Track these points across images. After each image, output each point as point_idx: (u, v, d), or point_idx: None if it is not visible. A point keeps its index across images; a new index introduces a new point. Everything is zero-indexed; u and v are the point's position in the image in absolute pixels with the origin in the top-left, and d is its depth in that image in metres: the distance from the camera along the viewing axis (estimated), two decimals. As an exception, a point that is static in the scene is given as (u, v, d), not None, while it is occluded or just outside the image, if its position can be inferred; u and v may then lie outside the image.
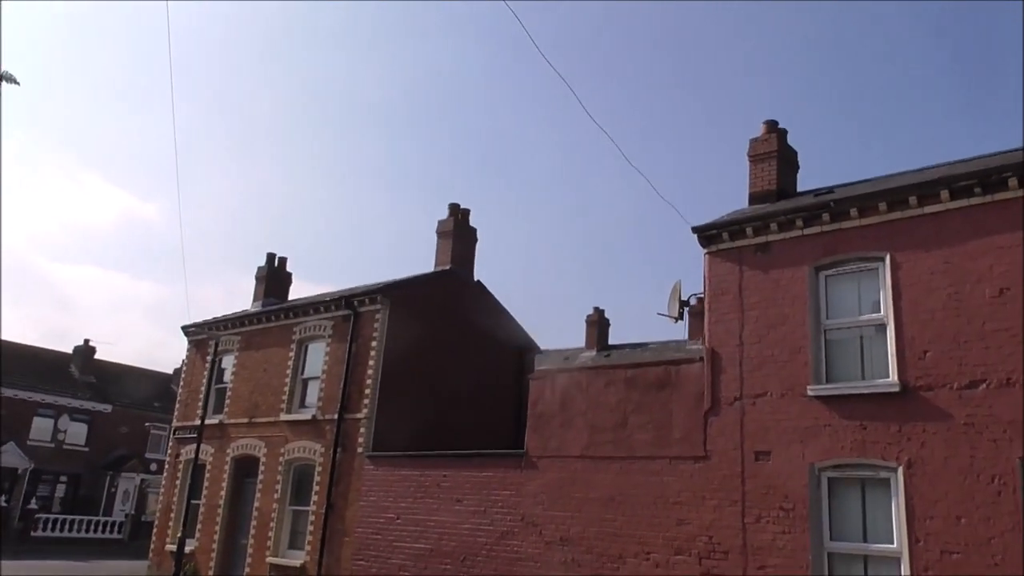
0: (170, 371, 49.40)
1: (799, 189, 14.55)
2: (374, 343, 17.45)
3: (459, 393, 19.04)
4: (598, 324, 33.65)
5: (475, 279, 20.58)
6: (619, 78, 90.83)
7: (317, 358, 18.84)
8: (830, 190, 13.10)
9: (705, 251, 12.63)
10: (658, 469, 12.08)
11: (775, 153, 13.96)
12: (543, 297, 72.45)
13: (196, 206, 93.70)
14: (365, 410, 17.01)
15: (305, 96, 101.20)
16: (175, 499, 21.26)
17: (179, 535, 17.12)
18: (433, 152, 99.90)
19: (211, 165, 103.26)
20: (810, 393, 10.82)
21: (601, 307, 33.77)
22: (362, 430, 16.92)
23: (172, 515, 21.11)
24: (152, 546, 21.59)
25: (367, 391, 17.15)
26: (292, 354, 19.35)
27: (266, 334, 20.35)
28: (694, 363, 12.23)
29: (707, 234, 12.53)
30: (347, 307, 18.07)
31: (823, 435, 10.60)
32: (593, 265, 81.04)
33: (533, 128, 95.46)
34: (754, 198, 13.83)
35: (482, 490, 14.24)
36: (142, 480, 44.42)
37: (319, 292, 24.16)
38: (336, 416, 17.41)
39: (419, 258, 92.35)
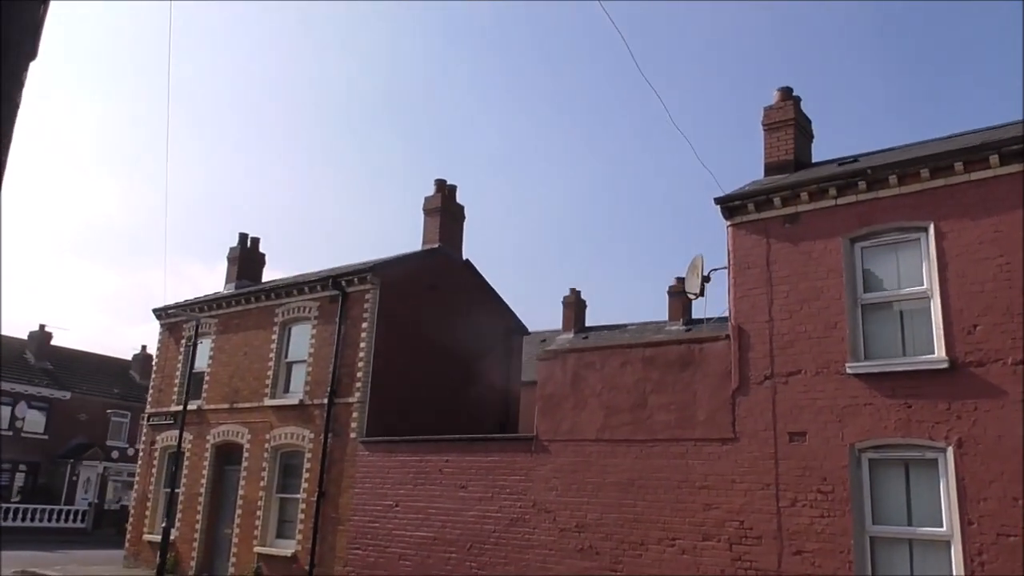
0: (128, 357, 47.78)
1: (813, 160, 14.00)
2: (365, 324, 16.57)
3: (448, 375, 18.28)
4: (575, 306, 33.08)
5: (464, 258, 19.74)
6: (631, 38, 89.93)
7: (302, 341, 17.89)
8: (854, 159, 12.56)
9: (728, 223, 12.00)
10: (682, 452, 11.50)
11: (791, 121, 13.36)
12: (524, 279, 71.71)
13: (151, 190, 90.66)
14: (357, 394, 16.16)
15: (264, 78, 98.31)
16: (151, 488, 20.19)
17: (163, 525, 16.14)
18: (413, 137, 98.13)
19: (167, 147, 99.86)
20: (848, 370, 10.29)
21: (578, 288, 33.23)
22: (355, 415, 16.07)
23: (149, 504, 20.05)
24: (128, 536, 20.50)
25: (359, 374, 16.28)
26: (275, 337, 18.36)
27: (245, 316, 19.30)
28: (719, 341, 11.64)
29: (731, 205, 11.90)
30: (334, 287, 17.13)
31: (863, 414, 10.09)
32: (571, 247, 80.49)
33: (504, 103, 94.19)
34: (770, 168, 13.24)
35: (488, 475, 13.54)
36: (104, 468, 42.88)
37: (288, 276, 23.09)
38: (326, 401, 16.53)
39: (395, 244, 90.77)
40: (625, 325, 31.58)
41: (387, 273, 16.96)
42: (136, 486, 20.91)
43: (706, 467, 11.21)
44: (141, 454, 21.02)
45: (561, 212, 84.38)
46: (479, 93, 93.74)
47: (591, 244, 79.63)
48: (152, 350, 49.03)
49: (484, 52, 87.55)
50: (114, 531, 35.28)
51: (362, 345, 16.41)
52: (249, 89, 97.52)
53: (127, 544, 20.48)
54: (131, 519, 20.67)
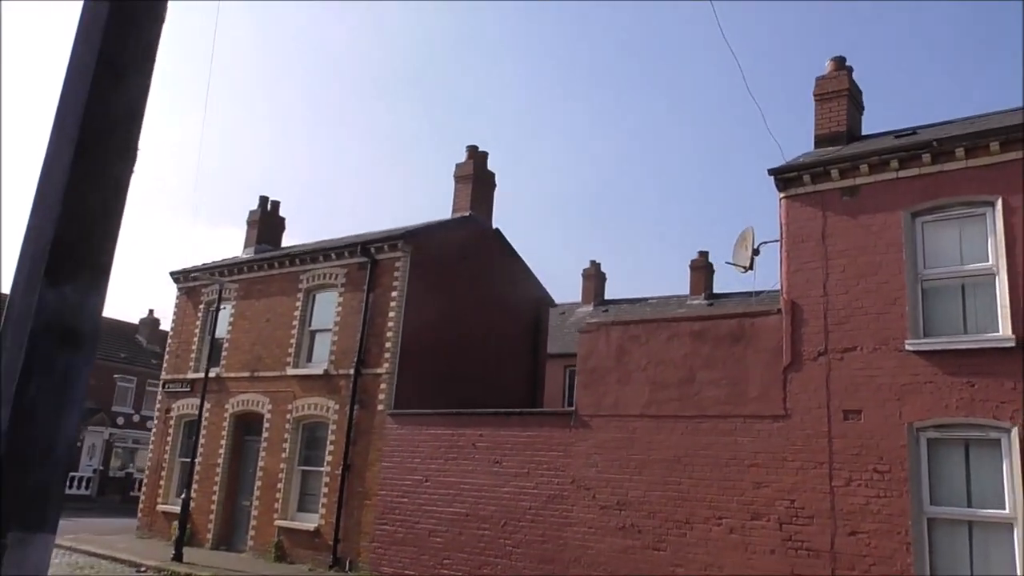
0: (135, 321, 47.46)
1: (863, 133, 13.62)
2: (395, 293, 16.23)
3: (477, 347, 18.00)
4: (595, 278, 32.77)
5: (493, 227, 19.38)
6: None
7: (327, 309, 17.56)
8: (912, 131, 12.20)
9: (782, 195, 11.66)
10: (731, 429, 11.25)
11: (845, 92, 12.95)
12: (542, 251, 71.02)
13: (163, 153, 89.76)
14: (386, 365, 15.86)
15: (288, 43, 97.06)
16: (166, 457, 19.94)
17: (183, 496, 15.91)
18: (438, 103, 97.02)
19: (181, 112, 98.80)
20: (908, 347, 10.02)
21: (598, 261, 32.90)
22: (383, 386, 15.79)
23: (163, 473, 19.82)
24: (141, 506, 20.28)
25: (388, 344, 15.98)
26: (299, 304, 18.02)
27: (268, 282, 18.95)
28: (771, 315, 11.35)
29: (785, 177, 11.55)
30: (363, 254, 16.77)
31: (924, 392, 9.84)
32: (590, 219, 79.66)
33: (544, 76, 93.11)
34: (821, 140, 12.85)
35: (525, 451, 13.29)
36: (110, 434, 42.75)
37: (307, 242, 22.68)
38: (352, 371, 16.24)
39: (417, 212, 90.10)
40: (646, 299, 31.32)
41: (418, 240, 16.60)
42: (150, 454, 20.66)
43: (756, 444, 10.97)
44: (156, 422, 20.75)
45: (582, 183, 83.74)
46: (509, 57, 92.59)
47: (610, 217, 79.06)
48: (160, 314, 48.88)
49: (514, 14, 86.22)
50: (119, 498, 35.22)
51: (391, 315, 16.09)
52: (271, 55, 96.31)
53: (140, 514, 20.26)
54: (144, 488, 20.44)
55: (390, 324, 16.09)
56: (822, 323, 10.80)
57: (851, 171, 11.01)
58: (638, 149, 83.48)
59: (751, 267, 12.16)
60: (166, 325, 49.18)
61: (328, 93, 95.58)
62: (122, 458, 43.24)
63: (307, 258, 18.11)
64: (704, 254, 30.35)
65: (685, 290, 30.54)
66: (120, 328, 46.48)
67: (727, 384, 11.44)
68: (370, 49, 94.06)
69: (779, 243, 11.67)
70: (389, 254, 16.56)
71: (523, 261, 20.07)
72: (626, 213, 78.93)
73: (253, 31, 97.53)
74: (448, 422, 14.53)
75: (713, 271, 30.41)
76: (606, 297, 33.08)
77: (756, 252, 12.15)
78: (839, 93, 13.00)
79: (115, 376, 43.33)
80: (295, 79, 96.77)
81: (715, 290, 30.08)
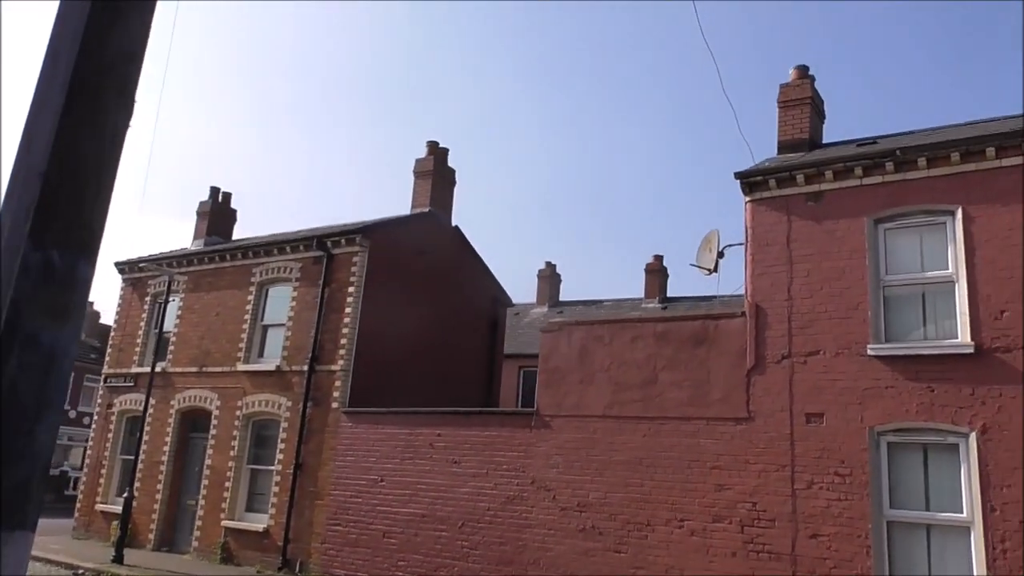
0: (73, 316, 45.79)
1: (824, 141, 13.81)
2: (351, 288, 15.86)
3: (434, 345, 17.73)
4: (550, 279, 32.73)
5: (453, 224, 19.13)
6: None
7: (281, 303, 17.09)
8: (873, 140, 12.40)
9: (747, 199, 11.72)
10: (694, 431, 11.24)
11: (808, 100, 13.13)
12: (496, 250, 70.67)
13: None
14: (341, 362, 15.48)
15: (240, 36, 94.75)
16: (106, 454, 19.15)
17: (126, 495, 15.23)
18: (393, 99, 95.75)
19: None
20: (871, 352, 10.14)
21: (554, 262, 32.88)
22: (338, 383, 15.40)
23: (103, 472, 19.02)
24: (78, 505, 19.43)
25: (343, 341, 15.60)
26: (251, 298, 17.50)
27: (219, 275, 18.37)
28: (735, 318, 11.38)
29: (751, 180, 11.61)
30: (319, 248, 16.36)
31: (885, 397, 9.96)
32: (545, 221, 79.64)
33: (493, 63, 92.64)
34: (784, 146, 12.99)
35: (484, 451, 13.09)
36: (43, 432, 41.10)
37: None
38: (306, 367, 15.81)
39: (369, 208, 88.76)
40: (601, 301, 31.38)
41: (376, 236, 16.26)
42: (89, 452, 19.82)
43: (719, 447, 10.97)
44: (96, 418, 19.92)
45: (539, 184, 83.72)
46: (468, 55, 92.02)
47: (565, 219, 79.24)
48: (99, 306, 47.20)
49: (475, 13, 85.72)
50: (52, 497, 33.78)
51: (348, 310, 15.72)
52: (222, 47, 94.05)
53: (77, 514, 19.41)
54: (82, 487, 19.59)
55: (346, 320, 15.72)
56: (786, 327, 10.87)
57: (816, 177, 11.11)
58: (595, 150, 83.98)
59: (715, 270, 12.20)
60: (106, 318, 47.55)
61: (282, 87, 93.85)
62: (56, 456, 41.59)
63: (261, 251, 17.60)
64: (659, 258, 30.56)
65: (640, 293, 30.71)
66: (56, 321, 44.73)
67: (690, 386, 11.43)
68: (326, 45, 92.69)
69: (744, 246, 11.72)
70: (346, 248, 16.18)
71: (482, 260, 19.89)
72: (582, 215, 79.27)
73: (206, 23, 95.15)
74: (405, 421, 14.24)
75: (667, 275, 30.65)
76: (561, 299, 33.07)
77: (721, 255, 12.19)
78: (802, 101, 13.18)
79: (49, 370, 41.62)
80: (251, 73, 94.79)
81: (669, 294, 30.33)
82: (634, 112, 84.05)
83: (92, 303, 45.95)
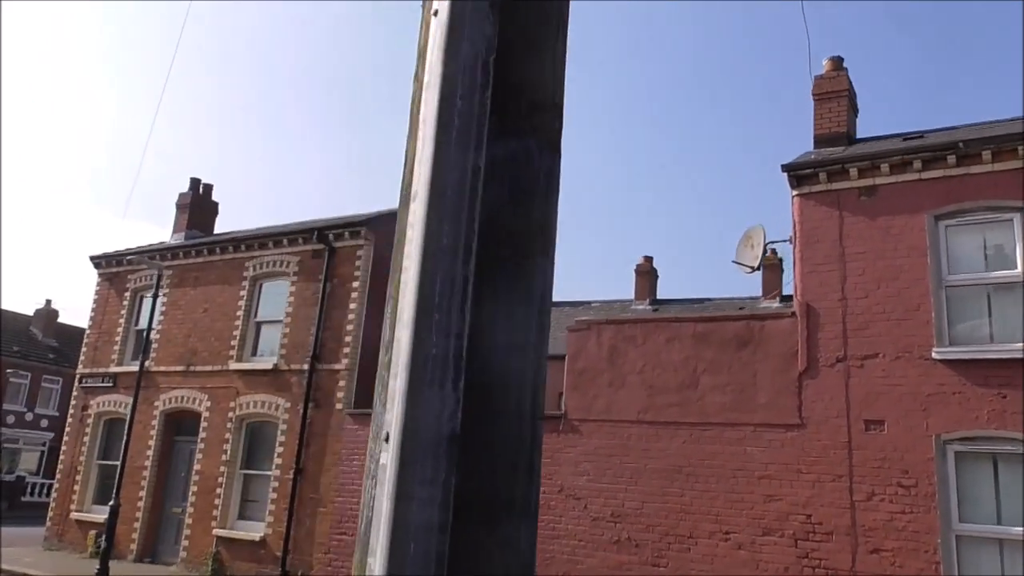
0: (30, 313, 43.73)
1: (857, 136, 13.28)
2: (355, 284, 14.93)
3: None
4: (649, 274, 31.27)
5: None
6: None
7: (277, 299, 16.07)
8: (919, 135, 11.86)
9: (795, 192, 11.10)
10: (739, 437, 10.58)
11: (845, 92, 12.56)
12: None
13: (56, 139, 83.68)
14: (345, 360, 14.54)
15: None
16: (81, 459, 17.91)
17: (111, 503, 14.08)
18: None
19: (93, 97, 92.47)
20: (935, 356, 9.57)
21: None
22: (341, 383, 14.47)
23: (79, 478, 17.78)
24: (51, 514, 18.15)
25: (347, 339, 14.66)
26: (243, 293, 16.45)
27: (206, 269, 17.27)
28: (783, 319, 10.76)
29: (800, 174, 10.99)
30: (319, 241, 15.39)
31: (951, 403, 9.40)
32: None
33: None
34: (821, 140, 12.38)
35: (505, 457, 12.27)
36: (2, 435, 39.16)
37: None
38: (306, 367, 14.84)
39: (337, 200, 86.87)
40: (589, 302, 30.76)
41: (382, 228, 15.33)
42: (62, 457, 18.54)
43: (767, 455, 10.33)
44: (71, 420, 18.65)
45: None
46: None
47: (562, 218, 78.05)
48: (58, 305, 45.04)
49: None
50: (6, 505, 32.04)
51: (352, 306, 14.78)
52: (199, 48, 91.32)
53: (48, 523, 18.13)
54: (55, 495, 18.32)
55: (350, 317, 14.78)
56: (840, 328, 10.26)
57: (870, 170, 10.53)
58: (581, 151, 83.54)
59: (759, 267, 11.56)
60: (66, 317, 45.57)
61: (250, 85, 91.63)
62: (13, 460, 39.69)
63: (254, 244, 16.56)
64: (649, 259, 30.01)
65: (629, 295, 30.11)
66: (13, 320, 42.68)
67: (734, 390, 10.78)
68: (293, 42, 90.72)
69: (790, 243, 11.11)
70: (349, 242, 15.24)
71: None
72: (568, 215, 78.64)
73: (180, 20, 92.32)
74: (417, 425, 13.35)
75: (657, 276, 30.11)
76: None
77: (766, 251, 11.54)
78: (838, 93, 12.59)
79: (7, 371, 39.75)
80: (224, 72, 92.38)
81: (659, 295, 29.80)
82: (614, 108, 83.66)
83: (49, 301, 44.05)
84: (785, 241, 11.41)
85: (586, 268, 66.08)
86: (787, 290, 15.01)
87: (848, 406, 9.97)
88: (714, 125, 79.15)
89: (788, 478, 10.12)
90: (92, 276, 19.57)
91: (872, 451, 9.70)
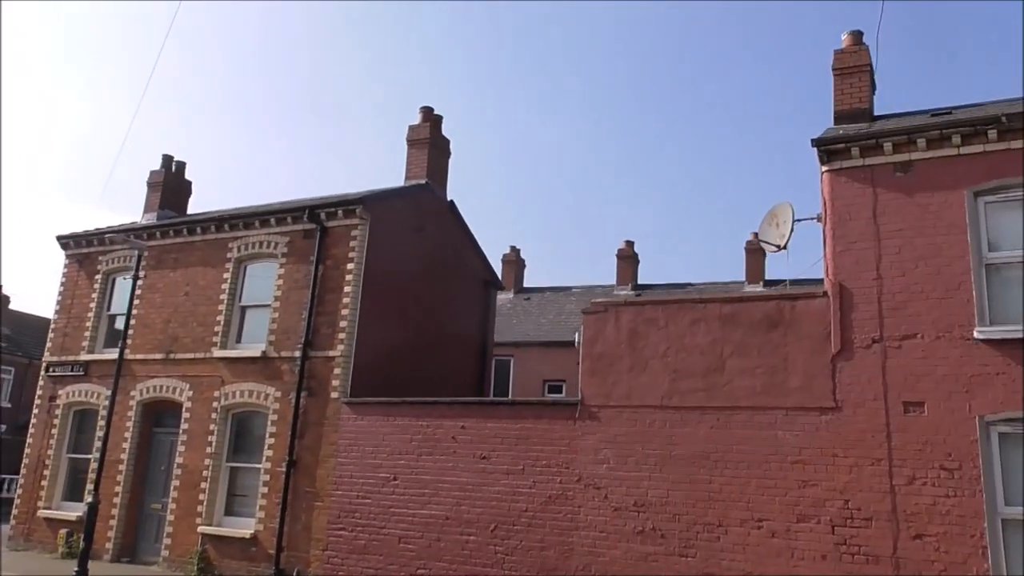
0: (-14, 300, 41.61)
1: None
2: (351, 265, 14.17)
3: (430, 329, 16.24)
4: (515, 264, 31.38)
5: (448, 199, 17.59)
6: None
7: (264, 282, 15.22)
8: (947, 111, 11.58)
9: (825, 168, 10.72)
10: (770, 422, 10.18)
11: (866, 67, 12.23)
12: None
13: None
14: (341, 347, 13.79)
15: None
16: (49, 453, 16.84)
17: (89, 500, 13.13)
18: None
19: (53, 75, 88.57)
20: (977, 336, 9.28)
21: (517, 247, 31.57)
22: (337, 371, 13.72)
23: (46, 473, 16.72)
24: (15, 512, 17.04)
25: (343, 324, 13.91)
26: (227, 276, 15.56)
27: (186, 250, 16.32)
28: (815, 299, 10.36)
29: (831, 148, 10.61)
30: (311, 220, 14.58)
31: (995, 384, 9.11)
32: (515, 204, 77.22)
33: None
34: (841, 116, 12.04)
35: (518, 445, 11.74)
36: (-52, 427, 37.30)
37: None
38: (297, 353, 14.06)
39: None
40: (569, 288, 30.37)
41: (377, 207, 14.60)
42: (28, 451, 17.41)
43: (801, 439, 9.95)
44: (36, 411, 17.53)
45: (515, 168, 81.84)
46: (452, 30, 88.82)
47: (528, 203, 77.49)
48: (10, 290, 42.93)
49: None
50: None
51: (347, 290, 14.03)
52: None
53: (13, 521, 17.02)
54: (19, 491, 17.21)
55: (345, 301, 14.03)
56: (875, 308, 9.92)
57: (906, 145, 10.19)
58: (557, 137, 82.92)
59: (785, 246, 11.15)
60: (18, 304, 43.60)
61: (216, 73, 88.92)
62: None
63: (239, 223, 15.66)
64: (630, 243, 29.68)
65: (611, 280, 29.75)
66: (-42, 307, 40.59)
67: (764, 373, 10.37)
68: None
69: (821, 220, 10.73)
70: (343, 221, 14.46)
71: (475, 239, 18.42)
72: (544, 201, 77.92)
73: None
74: (421, 412, 12.72)
75: (638, 261, 29.81)
76: (526, 284, 31.86)
77: (793, 229, 11.13)
78: (860, 68, 12.25)
79: (-41, 362, 37.85)
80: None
81: (641, 280, 29.51)
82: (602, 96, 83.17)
83: (-1, 286, 42.04)
84: (812, 219, 11.03)
85: (564, 254, 65.74)
86: (810, 272, 14.63)
87: (885, 388, 9.64)
88: (694, 106, 79.26)
89: (824, 463, 9.75)
90: (44, 260, 18.48)
91: (912, 434, 9.38)
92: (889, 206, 10.16)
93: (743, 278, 27.00)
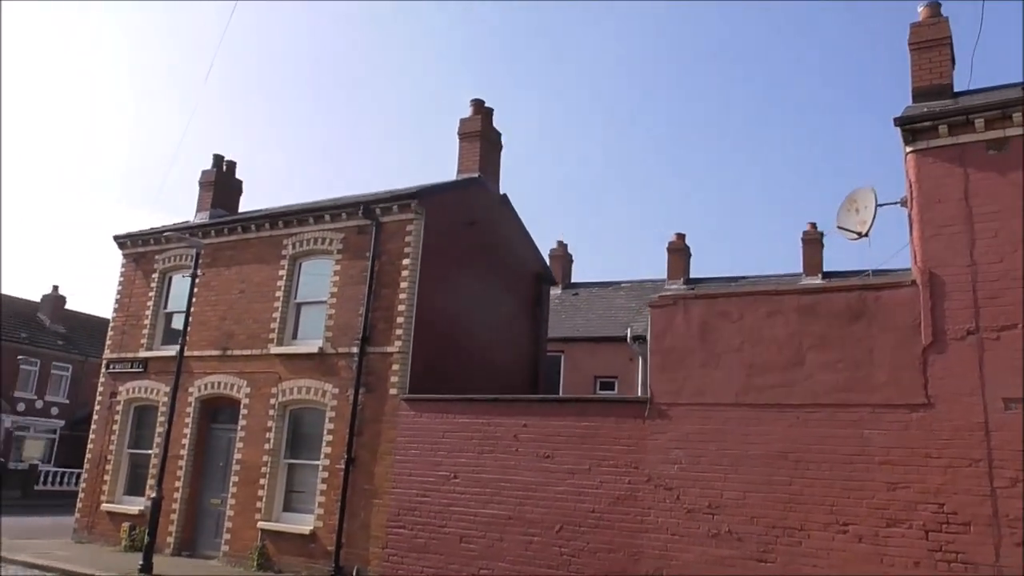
0: (36, 299, 42.73)
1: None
2: (407, 260, 13.92)
3: (484, 324, 15.92)
4: (562, 259, 30.89)
5: (501, 192, 17.22)
6: None
7: (320, 278, 15.06)
8: (1039, 84, 10.79)
9: (909, 149, 10.05)
10: (855, 419, 9.59)
11: (946, 40, 11.47)
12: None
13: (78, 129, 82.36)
14: (398, 343, 13.55)
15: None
16: (111, 448, 16.98)
17: (153, 495, 13.14)
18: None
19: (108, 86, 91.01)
20: (1086, 326, 8.57)
21: (564, 241, 31.09)
22: (395, 367, 13.48)
23: (108, 468, 16.87)
24: (79, 505, 17.25)
25: (400, 319, 13.67)
26: (282, 273, 15.45)
27: (241, 248, 16.26)
28: (902, 288, 9.72)
29: (916, 127, 9.93)
30: (365, 215, 14.36)
31: (1107, 379, 8.40)
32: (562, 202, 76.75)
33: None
34: (920, 94, 11.30)
35: (583, 444, 11.33)
36: (12, 422, 38.34)
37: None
38: (355, 350, 13.85)
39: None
40: (619, 282, 29.78)
41: (432, 201, 14.31)
42: (91, 446, 17.60)
43: (889, 438, 9.34)
44: (98, 407, 17.70)
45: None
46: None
47: (576, 201, 77.12)
48: (66, 290, 44.07)
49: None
50: (19, 494, 31.20)
51: (403, 285, 13.78)
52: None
53: (77, 515, 17.23)
54: (83, 485, 17.41)
55: (402, 296, 13.77)
56: (970, 297, 9.25)
57: (1000, 121, 9.47)
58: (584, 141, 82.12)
59: (867, 233, 10.51)
60: (73, 304, 44.67)
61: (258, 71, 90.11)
62: (25, 448, 38.91)
63: (293, 220, 15.53)
64: (681, 236, 28.93)
65: (662, 274, 29.05)
66: (19, 306, 41.67)
67: (846, 368, 9.78)
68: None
69: (905, 203, 10.08)
70: (398, 215, 14.21)
71: (528, 233, 18.02)
72: (592, 194, 77.32)
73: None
74: (481, 409, 12.40)
75: (690, 254, 29.06)
76: (574, 280, 31.39)
77: (876, 215, 10.48)
78: (939, 41, 11.48)
79: (18, 358, 38.81)
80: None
81: (692, 275, 28.74)
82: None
83: (56, 287, 43.08)
84: (896, 203, 10.38)
85: (613, 247, 64.83)
86: (894, 261, 13.93)
87: (983, 383, 8.97)
88: (742, 93, 77.56)
89: (915, 463, 9.14)
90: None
91: (1014, 432, 8.71)
92: (982, 187, 9.47)
93: (800, 270, 26.10)
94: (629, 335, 19.27)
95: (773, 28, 76.68)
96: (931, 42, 11.50)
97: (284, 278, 15.39)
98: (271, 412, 14.68)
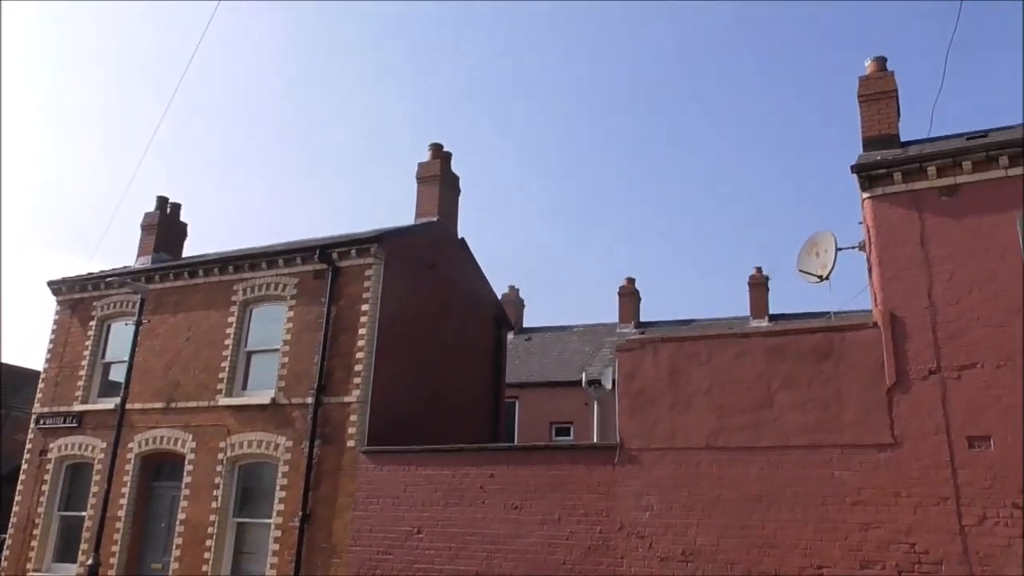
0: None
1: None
2: (365, 306, 13.60)
3: (444, 369, 15.64)
4: (513, 305, 30.89)
5: (459, 236, 17.13)
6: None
7: (271, 326, 14.58)
8: (984, 133, 11.36)
9: (866, 195, 10.40)
10: (825, 460, 9.67)
11: (893, 93, 12.04)
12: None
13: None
14: (357, 392, 13.14)
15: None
16: (40, 510, 15.88)
17: (90, 561, 12.23)
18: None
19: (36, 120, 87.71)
20: (1043, 364, 8.88)
21: (517, 286, 31.13)
22: (353, 417, 13.05)
23: (36, 531, 15.74)
24: (1, 574, 15.99)
25: (358, 367, 13.29)
26: (232, 320, 14.91)
27: (188, 293, 15.66)
28: (865, 329, 9.94)
29: (872, 174, 10.30)
30: (322, 260, 14.02)
31: (1066, 415, 8.69)
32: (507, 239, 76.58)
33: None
34: (871, 143, 11.78)
35: (552, 493, 11.11)
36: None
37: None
38: (310, 400, 13.38)
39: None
40: (571, 327, 29.81)
41: (392, 245, 14.09)
42: (16, 508, 16.42)
43: (859, 478, 9.43)
44: (25, 466, 16.59)
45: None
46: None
47: (527, 243, 77.18)
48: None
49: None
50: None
51: (362, 331, 13.43)
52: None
53: (1, 583, 15.99)
54: (6, 552, 16.19)
55: (360, 343, 13.42)
56: (930, 337, 9.51)
57: (951, 168, 9.91)
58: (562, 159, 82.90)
59: (828, 276, 10.75)
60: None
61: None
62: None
63: (244, 264, 15.06)
64: (631, 280, 29.37)
65: (613, 318, 29.30)
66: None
67: (815, 408, 9.89)
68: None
69: (865, 248, 10.38)
70: (356, 260, 13.93)
71: (486, 277, 17.93)
72: (539, 240, 77.86)
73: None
74: (446, 460, 12.06)
75: (640, 298, 29.45)
76: (526, 325, 31.36)
77: (836, 259, 10.73)
78: (886, 94, 12.05)
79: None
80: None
81: (642, 318, 29.08)
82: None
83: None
84: (854, 247, 10.67)
85: (562, 293, 65.17)
86: (854, 303, 14.27)
87: (947, 421, 9.19)
88: (690, 138, 79.78)
89: (885, 503, 9.24)
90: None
91: (980, 469, 8.91)
92: (937, 231, 9.83)
93: (747, 313, 26.67)
94: (584, 379, 19.23)
95: (724, 70, 79.59)
96: (879, 94, 12.03)
97: (234, 325, 14.85)
98: (219, 468, 13.99)
